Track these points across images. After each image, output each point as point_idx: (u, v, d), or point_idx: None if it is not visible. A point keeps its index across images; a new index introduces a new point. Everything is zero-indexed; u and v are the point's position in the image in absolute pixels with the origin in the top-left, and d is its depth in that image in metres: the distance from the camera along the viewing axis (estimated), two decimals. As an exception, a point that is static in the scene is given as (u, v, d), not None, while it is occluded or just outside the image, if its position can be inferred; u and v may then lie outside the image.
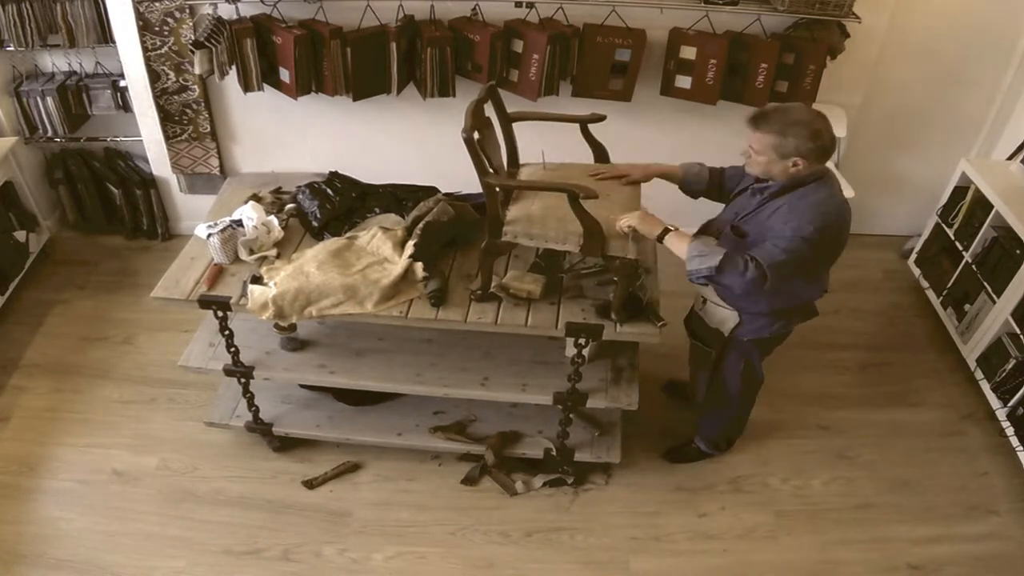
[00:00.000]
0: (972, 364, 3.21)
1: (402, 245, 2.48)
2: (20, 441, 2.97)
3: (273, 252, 2.54)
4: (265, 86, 3.30)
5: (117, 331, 3.48)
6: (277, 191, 2.88)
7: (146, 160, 3.82)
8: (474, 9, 3.19)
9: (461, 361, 2.67)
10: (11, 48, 3.41)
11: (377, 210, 2.71)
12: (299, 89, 3.21)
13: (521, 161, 2.48)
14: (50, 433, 3.00)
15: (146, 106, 3.54)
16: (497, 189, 2.17)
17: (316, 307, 2.33)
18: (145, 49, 3.34)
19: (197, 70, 3.06)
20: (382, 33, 3.14)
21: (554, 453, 2.77)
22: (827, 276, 2.35)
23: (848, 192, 3.43)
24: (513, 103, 2.84)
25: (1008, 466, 2.95)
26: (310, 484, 2.82)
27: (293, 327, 2.61)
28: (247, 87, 3.25)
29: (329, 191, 2.69)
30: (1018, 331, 2.93)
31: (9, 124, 3.64)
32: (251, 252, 2.52)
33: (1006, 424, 2.94)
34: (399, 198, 2.76)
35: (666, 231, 2.14)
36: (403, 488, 2.83)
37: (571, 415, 2.61)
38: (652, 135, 3.55)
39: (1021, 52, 3.46)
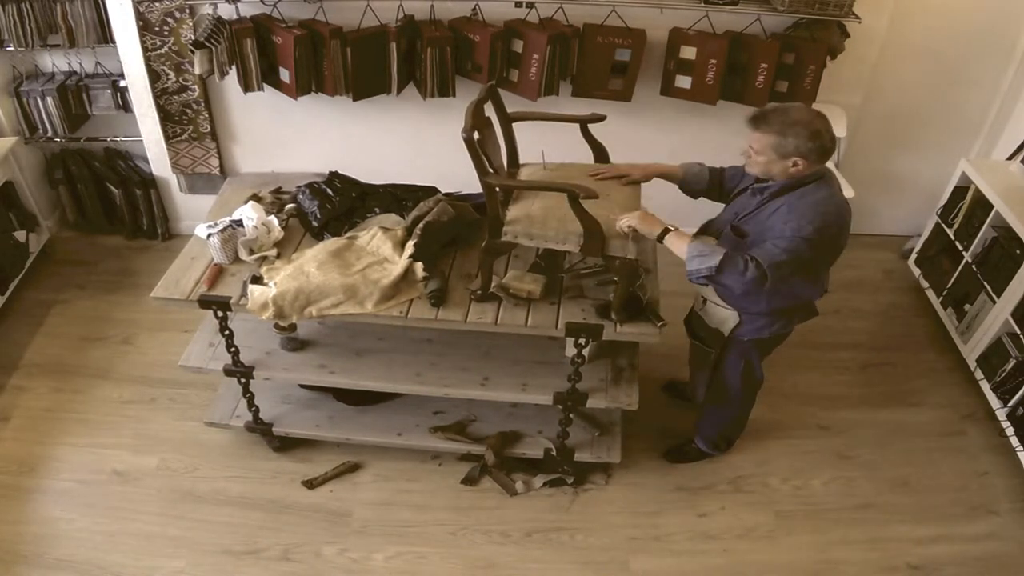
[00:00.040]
0: (972, 364, 3.21)
1: (402, 245, 2.48)
2: (20, 441, 2.97)
3: (273, 252, 2.54)
4: (265, 86, 3.30)
5: (117, 331, 3.48)
6: (277, 191, 2.88)
7: (146, 160, 3.82)
8: (474, 9, 3.19)
9: (461, 361, 2.67)
10: (11, 48, 3.41)
11: (377, 210, 2.71)
12: (299, 89, 3.21)
13: (521, 161, 2.48)
14: (50, 433, 3.00)
15: (146, 106, 3.54)
16: (497, 189, 2.17)
17: (316, 307, 2.33)
18: (145, 49, 3.34)
19: (197, 70, 3.06)
20: (382, 33, 3.14)
21: (554, 453, 2.77)
22: (827, 276, 2.35)
23: (848, 192, 3.43)
24: (513, 103, 2.84)
25: (1008, 466, 2.95)
26: (310, 484, 2.82)
27: (293, 327, 2.61)
28: (247, 87, 3.25)
29: (329, 191, 2.70)
30: (1018, 331, 2.93)
31: (9, 124, 3.64)
32: (251, 252, 2.52)
33: (1006, 424, 2.94)
34: (399, 198, 2.76)
35: (666, 231, 2.14)
36: (403, 488, 2.83)
37: (571, 415, 2.61)
38: (652, 135, 3.55)
39: (1021, 52, 3.46)
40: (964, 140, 3.80)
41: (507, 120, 2.41)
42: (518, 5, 3.18)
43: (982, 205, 3.28)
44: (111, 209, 3.98)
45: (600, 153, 2.50)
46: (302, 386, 2.95)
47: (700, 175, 2.43)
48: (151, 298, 2.43)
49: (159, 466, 2.89)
